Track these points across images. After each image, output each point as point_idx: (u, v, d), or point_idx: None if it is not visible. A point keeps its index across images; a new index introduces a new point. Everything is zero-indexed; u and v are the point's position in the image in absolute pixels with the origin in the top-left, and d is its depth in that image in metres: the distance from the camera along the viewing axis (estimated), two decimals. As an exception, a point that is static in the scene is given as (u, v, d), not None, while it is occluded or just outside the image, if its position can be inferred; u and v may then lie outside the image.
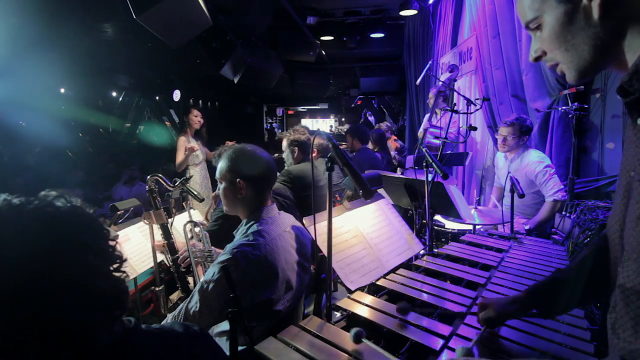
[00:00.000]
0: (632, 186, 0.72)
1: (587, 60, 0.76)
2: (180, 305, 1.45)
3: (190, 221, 2.12)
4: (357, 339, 1.10)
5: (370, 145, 5.15)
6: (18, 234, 0.65)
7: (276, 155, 3.21)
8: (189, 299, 1.43)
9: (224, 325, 1.53)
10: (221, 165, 1.60)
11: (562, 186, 2.81)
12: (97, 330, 0.71)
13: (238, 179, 1.54)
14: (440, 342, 1.11)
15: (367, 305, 1.34)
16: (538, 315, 1.12)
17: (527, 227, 2.72)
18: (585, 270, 1.00)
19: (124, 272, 0.77)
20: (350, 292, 1.44)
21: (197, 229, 2.09)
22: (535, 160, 2.86)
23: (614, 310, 0.76)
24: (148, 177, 2.07)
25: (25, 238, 0.65)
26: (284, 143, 3.02)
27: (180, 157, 4.51)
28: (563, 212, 2.80)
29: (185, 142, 4.55)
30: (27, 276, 0.63)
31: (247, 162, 1.56)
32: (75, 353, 0.68)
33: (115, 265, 0.76)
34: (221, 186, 1.61)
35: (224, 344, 1.54)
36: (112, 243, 0.76)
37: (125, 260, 0.78)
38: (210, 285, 1.37)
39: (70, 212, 0.71)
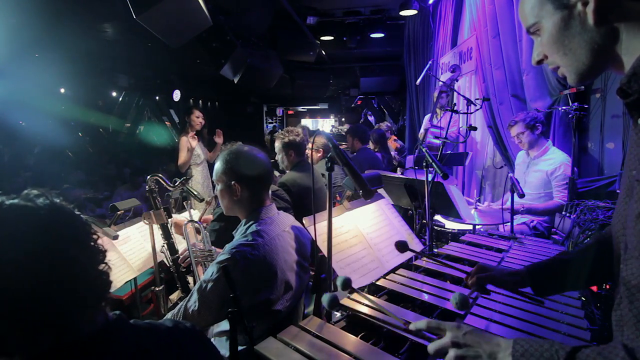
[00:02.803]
0: (633, 185, 0.74)
1: (585, 63, 0.79)
2: (180, 304, 1.44)
3: (191, 221, 2.12)
4: (345, 287, 1.17)
5: (370, 145, 5.15)
6: None
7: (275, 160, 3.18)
8: (187, 297, 1.43)
9: (224, 325, 1.53)
10: (217, 167, 1.59)
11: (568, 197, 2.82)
12: (78, 319, 0.75)
13: (233, 182, 1.54)
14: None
15: (367, 305, 1.34)
16: (533, 294, 1.12)
17: (522, 209, 2.73)
18: (587, 258, 1.03)
19: (105, 264, 0.81)
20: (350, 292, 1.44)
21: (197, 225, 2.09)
22: (564, 160, 2.82)
23: (618, 308, 0.76)
24: (148, 177, 2.07)
25: (4, 231, 0.70)
26: (277, 145, 2.93)
27: (182, 157, 4.51)
28: (563, 212, 2.79)
29: (187, 143, 4.55)
30: (6, 266, 0.68)
31: (242, 164, 1.55)
32: (56, 340, 0.72)
33: (96, 257, 0.80)
34: (218, 188, 1.60)
35: (224, 344, 1.54)
36: (94, 237, 0.80)
37: (106, 251, 0.83)
38: (209, 285, 1.37)
39: (49, 206, 0.75)
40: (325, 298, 1.10)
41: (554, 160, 2.86)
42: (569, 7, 0.77)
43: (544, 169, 2.89)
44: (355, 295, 1.33)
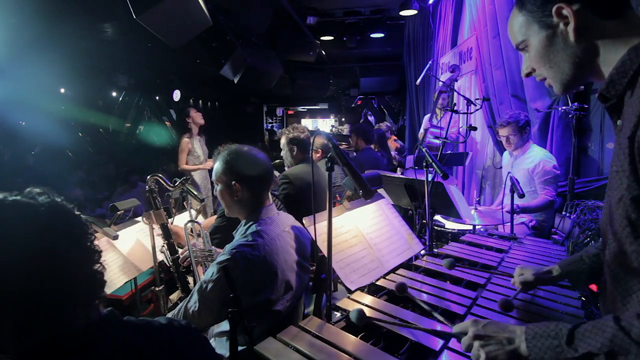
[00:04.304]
0: (613, 177, 0.83)
1: (568, 75, 0.89)
2: (180, 305, 1.44)
3: (191, 221, 2.12)
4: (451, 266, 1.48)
5: (371, 145, 5.13)
6: None
7: (277, 161, 3.18)
8: (188, 298, 1.43)
9: (224, 325, 1.53)
10: (216, 167, 1.59)
11: (556, 192, 2.83)
12: (70, 315, 0.76)
13: (233, 182, 1.54)
14: (440, 342, 1.11)
15: (367, 305, 1.34)
16: (570, 286, 1.34)
17: (517, 210, 2.74)
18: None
19: (100, 264, 0.83)
20: (350, 292, 1.44)
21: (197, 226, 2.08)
22: (543, 157, 2.86)
23: (605, 289, 0.87)
24: (148, 177, 2.07)
25: (3, 226, 0.72)
26: (283, 141, 2.97)
27: (183, 159, 4.51)
28: (563, 212, 2.80)
29: (188, 144, 4.56)
30: (3, 261, 0.70)
31: (243, 164, 1.55)
32: (48, 335, 0.74)
33: (92, 257, 0.81)
34: (218, 188, 1.60)
35: (224, 344, 1.54)
36: (90, 237, 0.82)
37: (101, 251, 0.85)
38: (210, 285, 1.37)
39: (49, 204, 0.77)
40: (353, 314, 1.14)
41: (533, 158, 2.90)
42: (553, 26, 0.87)
43: (525, 167, 2.92)
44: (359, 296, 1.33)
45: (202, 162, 4.66)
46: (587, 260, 1.21)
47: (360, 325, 1.17)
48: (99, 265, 0.83)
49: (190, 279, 2.08)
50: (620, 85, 0.80)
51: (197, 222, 2.09)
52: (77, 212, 0.84)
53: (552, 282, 1.30)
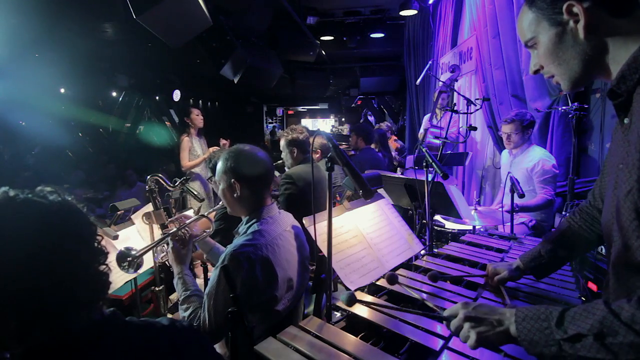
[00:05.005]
0: (620, 175, 0.84)
1: (577, 72, 0.90)
2: (195, 314, 1.45)
3: (203, 215, 2.10)
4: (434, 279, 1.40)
5: (372, 145, 5.13)
6: (6, 220, 0.72)
7: (279, 162, 3.19)
8: (203, 311, 1.43)
9: (224, 325, 1.53)
10: (218, 166, 1.61)
11: (554, 192, 2.83)
12: (74, 315, 0.76)
13: (233, 180, 1.55)
14: (440, 342, 1.11)
15: (367, 305, 1.34)
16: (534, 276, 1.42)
17: (516, 209, 2.74)
18: (564, 245, 1.33)
19: (106, 265, 0.84)
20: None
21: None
22: (542, 156, 2.86)
23: (607, 289, 0.91)
24: (148, 177, 2.07)
25: (13, 224, 0.71)
26: (282, 143, 2.99)
27: (185, 158, 4.51)
28: (563, 212, 2.80)
29: (188, 143, 4.56)
30: (11, 259, 0.69)
31: (242, 163, 1.56)
32: (51, 334, 0.73)
33: (98, 258, 0.82)
34: (220, 187, 1.61)
35: (223, 344, 1.55)
36: (98, 238, 0.82)
37: (108, 252, 0.85)
38: (218, 290, 1.38)
39: (59, 204, 0.77)
40: (343, 297, 1.13)
41: (532, 157, 2.90)
42: (563, 23, 0.88)
43: (524, 166, 2.92)
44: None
45: (202, 161, 4.66)
46: (545, 255, 1.34)
47: (351, 306, 1.20)
48: (104, 266, 0.83)
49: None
50: (631, 81, 0.81)
51: (208, 217, 2.07)
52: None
53: (520, 277, 1.45)
